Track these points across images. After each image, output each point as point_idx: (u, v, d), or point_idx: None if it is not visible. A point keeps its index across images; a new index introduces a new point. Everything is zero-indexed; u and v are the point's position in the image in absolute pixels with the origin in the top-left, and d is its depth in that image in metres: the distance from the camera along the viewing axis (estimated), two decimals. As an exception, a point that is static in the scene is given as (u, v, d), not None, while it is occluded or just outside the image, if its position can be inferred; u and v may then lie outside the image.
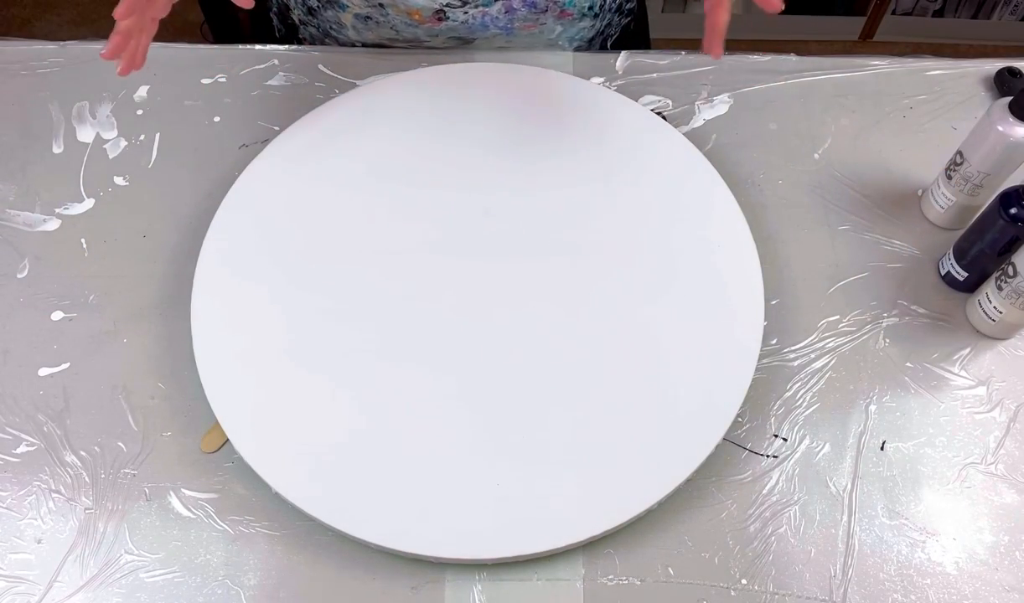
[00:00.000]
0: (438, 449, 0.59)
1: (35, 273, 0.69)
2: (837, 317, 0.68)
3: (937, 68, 0.83)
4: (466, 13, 0.78)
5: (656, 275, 0.67)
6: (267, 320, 0.64)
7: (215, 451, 0.61)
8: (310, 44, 0.87)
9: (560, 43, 0.85)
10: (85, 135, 0.76)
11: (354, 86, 0.79)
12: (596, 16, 0.84)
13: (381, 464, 0.58)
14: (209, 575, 0.56)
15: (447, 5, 0.77)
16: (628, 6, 0.87)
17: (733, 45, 0.96)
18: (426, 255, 0.67)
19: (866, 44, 1.92)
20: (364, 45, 0.84)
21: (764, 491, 0.60)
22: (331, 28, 0.84)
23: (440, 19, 0.79)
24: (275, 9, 0.89)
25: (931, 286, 0.69)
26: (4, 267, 0.69)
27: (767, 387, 0.64)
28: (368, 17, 0.80)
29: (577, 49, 0.85)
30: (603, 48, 0.88)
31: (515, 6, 0.78)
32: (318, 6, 0.82)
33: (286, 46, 0.82)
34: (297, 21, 0.86)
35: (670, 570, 0.57)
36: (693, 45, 0.85)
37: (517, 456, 0.58)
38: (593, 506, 0.57)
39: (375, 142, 0.73)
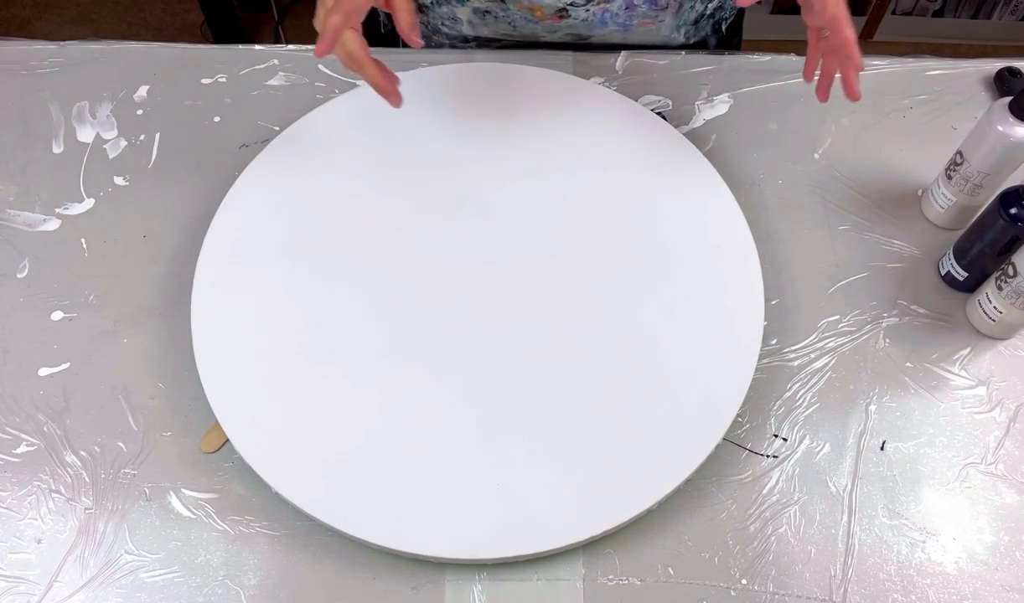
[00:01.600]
0: (438, 449, 0.59)
1: (35, 273, 0.69)
2: (837, 317, 0.67)
3: (937, 68, 0.83)
4: (588, 11, 0.78)
5: (656, 275, 0.67)
6: (267, 320, 0.64)
7: (215, 451, 0.61)
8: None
9: (673, 36, 0.84)
10: (85, 135, 0.76)
11: (354, 86, 0.79)
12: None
13: (381, 464, 0.58)
14: (209, 575, 0.56)
15: (571, 4, 0.77)
16: None
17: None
18: (426, 256, 0.67)
19: (866, 44, 1.91)
20: (476, 39, 0.83)
21: (764, 491, 0.60)
22: (443, 24, 0.83)
23: (562, 16, 0.79)
24: None
25: (931, 286, 0.69)
26: (4, 267, 0.69)
27: (767, 387, 0.64)
28: (487, 12, 0.80)
29: (687, 36, 0.85)
30: (717, 34, 0.87)
31: (636, 2, 0.78)
32: (432, 3, 0.82)
33: (286, 46, 0.82)
34: None
35: (670, 570, 0.57)
36: (693, 45, 0.86)
37: (517, 456, 0.58)
38: (593, 506, 0.57)
39: (375, 142, 0.73)
